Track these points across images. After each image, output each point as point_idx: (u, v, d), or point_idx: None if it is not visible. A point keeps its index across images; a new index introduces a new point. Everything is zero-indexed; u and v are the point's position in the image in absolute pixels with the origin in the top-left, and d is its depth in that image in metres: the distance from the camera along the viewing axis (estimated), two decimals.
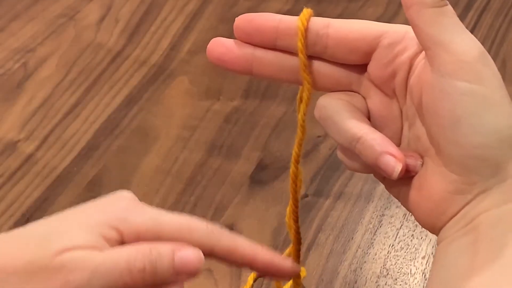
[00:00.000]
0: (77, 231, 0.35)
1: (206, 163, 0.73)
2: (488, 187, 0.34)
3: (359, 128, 0.36)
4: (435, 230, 0.36)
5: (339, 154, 0.39)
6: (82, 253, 0.34)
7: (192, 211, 0.69)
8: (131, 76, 0.84)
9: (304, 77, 0.38)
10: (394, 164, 0.35)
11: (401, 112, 0.38)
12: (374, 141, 0.35)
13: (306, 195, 0.70)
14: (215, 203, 0.70)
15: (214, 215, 0.68)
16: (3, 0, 0.99)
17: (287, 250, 0.65)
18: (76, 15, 0.94)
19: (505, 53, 0.85)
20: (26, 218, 0.68)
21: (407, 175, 0.36)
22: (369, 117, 0.38)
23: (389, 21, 0.91)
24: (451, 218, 0.35)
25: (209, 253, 0.37)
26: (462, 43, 0.33)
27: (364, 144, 0.36)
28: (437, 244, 0.36)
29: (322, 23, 0.37)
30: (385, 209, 0.67)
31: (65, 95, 0.81)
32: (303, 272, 0.59)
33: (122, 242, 0.36)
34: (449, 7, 0.34)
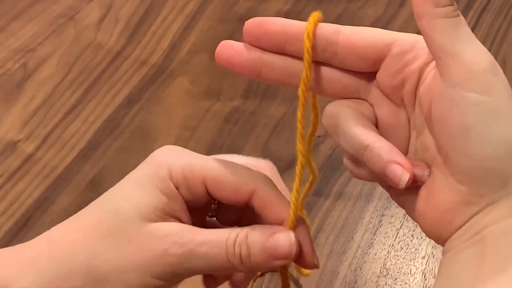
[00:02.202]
0: (139, 192, 0.39)
1: None
2: (496, 199, 0.33)
3: (366, 136, 0.36)
4: (440, 240, 0.36)
5: (346, 161, 0.39)
6: (179, 228, 0.37)
7: None
8: (131, 76, 0.84)
9: (304, 77, 0.37)
10: (401, 173, 0.35)
11: (409, 121, 0.38)
12: (382, 149, 0.35)
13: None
14: None
15: None
16: (3, 0, 0.99)
17: None
18: (76, 15, 0.94)
19: (505, 53, 0.85)
20: (26, 218, 0.68)
21: (414, 185, 0.36)
22: (376, 125, 0.38)
23: (389, 21, 0.91)
24: (458, 229, 0.35)
25: (249, 196, 0.39)
26: (473, 54, 0.33)
27: (371, 152, 0.36)
28: (443, 255, 0.35)
29: (332, 29, 0.37)
30: (385, 209, 0.68)
31: (65, 95, 0.81)
32: (307, 271, 0.59)
33: (176, 187, 0.39)
34: (461, 17, 0.34)
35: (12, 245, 0.66)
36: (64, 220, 0.70)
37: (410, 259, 0.64)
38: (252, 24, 0.38)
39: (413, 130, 0.38)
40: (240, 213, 0.42)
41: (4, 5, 0.98)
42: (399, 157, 0.35)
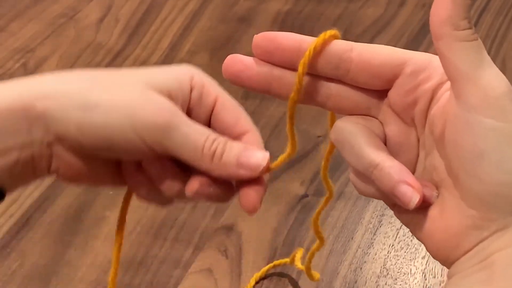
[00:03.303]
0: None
1: None
2: (506, 225, 0.33)
3: (376, 155, 0.36)
4: (447, 262, 0.36)
5: (352, 178, 0.39)
6: (174, 106, 0.38)
7: (192, 211, 0.69)
8: None
9: (296, 87, 0.37)
10: (411, 194, 0.34)
11: (418, 140, 0.38)
12: (392, 169, 0.35)
13: (306, 195, 0.70)
14: (215, 203, 0.70)
15: (214, 215, 0.68)
16: (3, 0, 0.99)
17: (294, 253, 0.65)
18: (76, 15, 0.94)
19: (505, 53, 0.85)
20: (26, 218, 0.68)
21: (422, 206, 0.35)
22: (385, 143, 0.38)
23: (389, 21, 0.91)
24: (466, 252, 0.34)
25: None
26: (490, 79, 0.33)
27: (381, 172, 0.35)
28: (449, 278, 0.35)
29: (345, 47, 0.37)
30: (385, 209, 0.68)
31: None
32: (317, 275, 0.59)
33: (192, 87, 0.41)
34: (479, 41, 0.33)
35: (12, 245, 0.66)
36: (64, 220, 0.70)
37: (410, 259, 0.64)
38: (263, 38, 0.37)
39: (422, 150, 0.37)
40: None
41: (4, 5, 0.98)
42: (409, 177, 0.35)
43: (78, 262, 0.65)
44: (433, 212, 0.36)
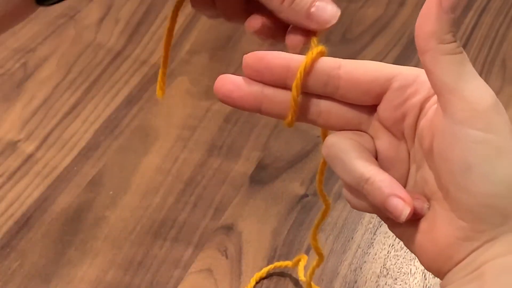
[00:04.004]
0: None
1: (206, 163, 0.73)
2: (496, 235, 0.34)
3: (367, 169, 0.36)
4: (440, 274, 0.36)
5: (345, 192, 0.39)
6: None
7: (192, 211, 0.69)
8: (131, 76, 0.84)
9: (291, 106, 0.38)
10: (402, 207, 0.35)
11: (409, 154, 0.38)
12: (383, 182, 0.35)
13: (306, 195, 0.70)
14: (215, 203, 0.70)
15: (214, 215, 0.68)
16: None
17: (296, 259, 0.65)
18: (76, 15, 0.94)
19: (505, 53, 0.85)
20: (26, 218, 0.68)
21: (413, 218, 0.36)
22: (376, 158, 0.38)
23: (389, 21, 0.91)
24: (457, 263, 0.35)
25: None
26: (476, 91, 0.33)
27: (372, 185, 0.36)
28: None
29: (333, 64, 0.37)
30: None
31: (65, 95, 0.81)
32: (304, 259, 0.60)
33: None
34: (464, 54, 0.34)
35: (12, 245, 0.66)
36: (64, 220, 0.70)
37: (410, 259, 0.64)
38: (253, 58, 0.38)
39: (413, 163, 0.38)
40: None
41: None
42: (400, 190, 0.35)
43: (78, 262, 0.65)
44: (424, 224, 0.36)
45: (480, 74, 0.88)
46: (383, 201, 0.35)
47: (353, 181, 0.37)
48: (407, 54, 0.84)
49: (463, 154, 0.33)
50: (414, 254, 0.37)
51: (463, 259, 0.34)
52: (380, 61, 0.38)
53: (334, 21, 0.36)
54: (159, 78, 0.43)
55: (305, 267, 0.61)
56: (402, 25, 0.88)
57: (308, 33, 0.38)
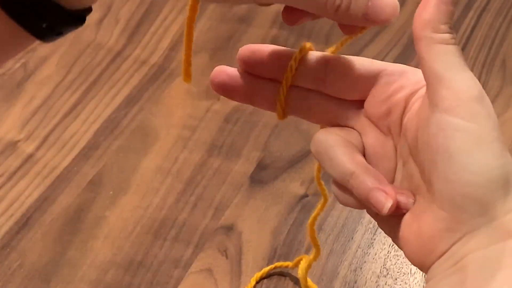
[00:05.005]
0: None
1: (206, 163, 0.73)
2: (475, 226, 0.34)
3: (353, 164, 0.37)
4: (424, 268, 0.36)
5: (334, 188, 0.40)
6: None
7: (192, 211, 0.69)
8: (131, 76, 0.84)
9: (278, 99, 0.38)
10: (384, 200, 0.35)
11: (396, 150, 0.38)
12: (366, 176, 0.36)
13: (306, 195, 0.70)
14: (215, 203, 0.70)
15: (214, 215, 0.68)
16: None
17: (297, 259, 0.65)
18: None
19: (505, 53, 0.85)
20: (26, 218, 0.69)
21: (398, 212, 0.36)
22: (364, 154, 0.39)
23: None
24: (440, 256, 0.35)
25: None
26: (463, 82, 0.34)
27: (357, 180, 0.36)
28: (426, 282, 0.36)
29: (321, 59, 0.38)
30: None
31: (65, 95, 0.81)
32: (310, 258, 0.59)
33: None
34: (458, 46, 0.34)
35: (12, 245, 0.66)
36: (64, 220, 0.70)
37: None
38: (246, 50, 0.39)
39: (400, 159, 0.38)
40: None
41: None
42: (383, 184, 0.36)
43: (78, 262, 0.65)
44: (408, 218, 0.36)
45: (480, 74, 0.88)
46: (367, 194, 0.36)
47: (339, 176, 0.37)
48: (407, 54, 0.84)
49: (445, 143, 0.33)
50: (400, 248, 0.38)
51: (445, 251, 0.35)
52: (381, 61, 0.39)
53: (395, 15, 0.35)
54: (184, 64, 0.44)
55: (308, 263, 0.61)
56: (402, 25, 0.88)
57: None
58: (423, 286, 0.62)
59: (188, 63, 0.42)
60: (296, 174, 0.72)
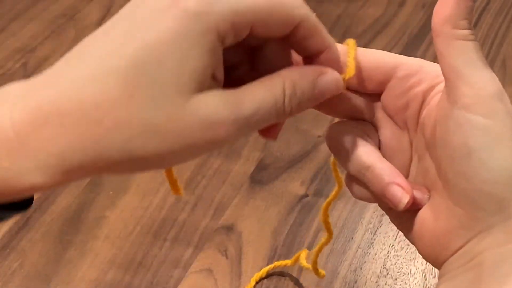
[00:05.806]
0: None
1: (206, 163, 0.73)
2: (492, 224, 0.33)
3: (368, 157, 0.36)
4: (437, 263, 0.36)
5: (347, 182, 0.39)
6: (223, 99, 0.31)
7: (192, 211, 0.69)
8: None
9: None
10: (401, 195, 0.35)
11: (411, 144, 0.38)
12: (383, 170, 0.36)
13: (306, 195, 0.70)
14: (215, 203, 0.70)
15: (214, 215, 0.68)
16: (3, 0, 0.99)
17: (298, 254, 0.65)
18: (76, 15, 0.94)
19: (505, 53, 0.85)
20: (26, 218, 0.68)
21: (413, 208, 0.36)
22: (379, 147, 0.39)
23: (389, 21, 0.91)
24: (454, 253, 0.35)
25: (296, 26, 0.34)
26: (482, 78, 0.33)
27: (373, 173, 0.36)
28: (439, 278, 0.36)
29: (341, 51, 0.37)
30: None
31: None
32: (323, 272, 0.59)
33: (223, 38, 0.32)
34: (477, 43, 0.34)
35: (12, 245, 0.66)
36: (64, 220, 0.70)
37: (410, 259, 0.64)
38: None
39: (415, 154, 0.38)
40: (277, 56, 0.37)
41: (4, 5, 0.98)
42: (400, 178, 0.36)
43: (78, 262, 0.65)
44: (423, 213, 0.36)
45: None
46: (383, 189, 0.36)
47: (354, 169, 0.37)
48: (407, 54, 0.84)
49: (463, 140, 0.33)
50: (412, 244, 0.37)
51: (460, 248, 0.34)
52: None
53: (340, 86, 0.35)
54: (169, 181, 0.43)
55: (308, 256, 0.60)
56: (402, 25, 0.88)
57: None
58: (423, 286, 0.62)
59: (172, 180, 0.41)
60: (296, 174, 0.72)
